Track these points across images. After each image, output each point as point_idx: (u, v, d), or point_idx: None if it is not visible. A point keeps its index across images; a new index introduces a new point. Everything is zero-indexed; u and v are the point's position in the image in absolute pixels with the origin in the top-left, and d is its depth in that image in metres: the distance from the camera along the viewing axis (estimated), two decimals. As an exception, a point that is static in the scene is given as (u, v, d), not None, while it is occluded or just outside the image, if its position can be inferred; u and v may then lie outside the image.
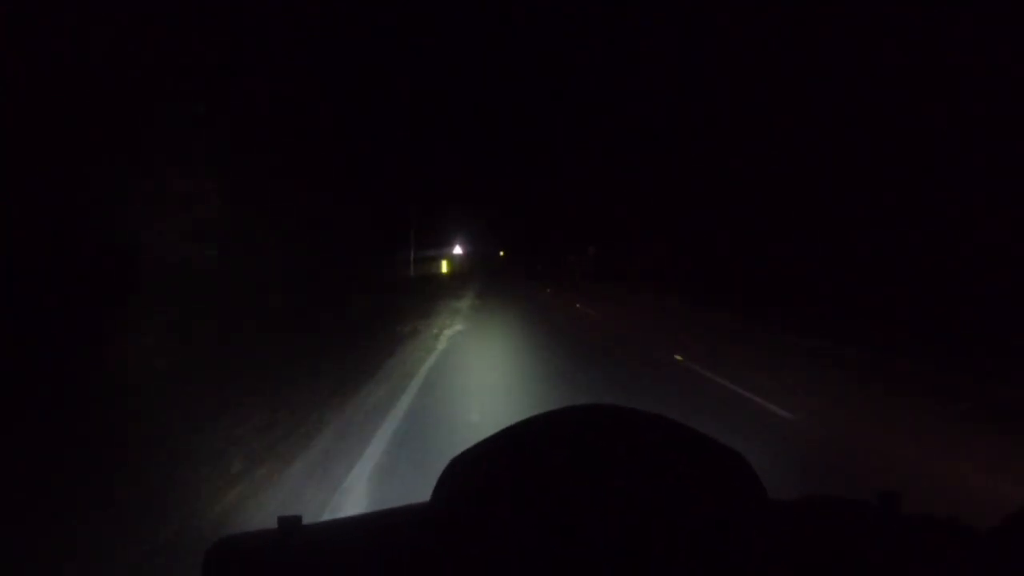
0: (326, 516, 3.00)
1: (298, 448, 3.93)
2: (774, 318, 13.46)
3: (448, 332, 10.95)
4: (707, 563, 0.72)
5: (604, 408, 0.84)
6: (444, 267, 39.37)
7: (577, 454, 0.78)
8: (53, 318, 5.48)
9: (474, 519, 0.75)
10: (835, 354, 9.54)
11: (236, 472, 3.39)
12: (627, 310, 18.00)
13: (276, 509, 2.95)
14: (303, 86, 13.84)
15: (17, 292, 5.36)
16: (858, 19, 12.47)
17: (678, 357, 8.35)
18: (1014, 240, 9.81)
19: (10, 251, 5.65)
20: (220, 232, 9.16)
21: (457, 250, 40.35)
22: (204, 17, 9.49)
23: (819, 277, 14.56)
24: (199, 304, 7.69)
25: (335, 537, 0.83)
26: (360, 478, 3.44)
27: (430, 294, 21.33)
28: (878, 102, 12.64)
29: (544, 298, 23.11)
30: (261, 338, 7.97)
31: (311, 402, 5.05)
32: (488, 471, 0.79)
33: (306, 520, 0.83)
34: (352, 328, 10.44)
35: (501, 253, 70.12)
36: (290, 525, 0.82)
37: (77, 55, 6.99)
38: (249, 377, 5.77)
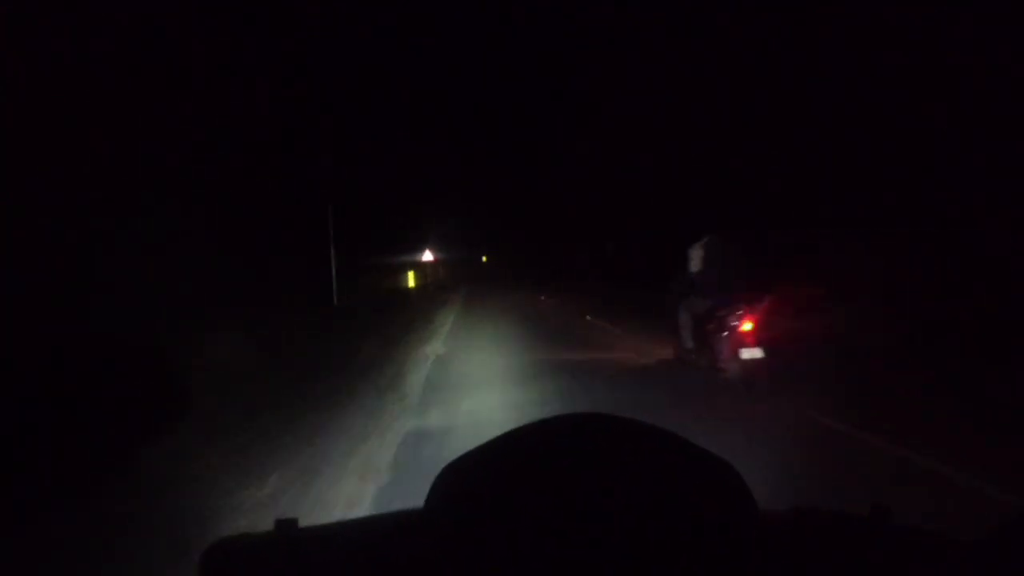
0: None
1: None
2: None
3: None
4: (703, 570, 0.73)
5: (598, 416, 0.85)
6: (411, 280, 29.93)
7: (574, 460, 0.79)
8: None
9: (472, 524, 0.75)
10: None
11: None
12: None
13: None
14: (288, 88, 13.69)
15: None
16: (857, 19, 12.47)
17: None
18: (1014, 240, 9.80)
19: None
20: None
21: (427, 256, 31.06)
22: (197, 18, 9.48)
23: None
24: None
25: (331, 540, 0.85)
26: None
27: (324, 384, 7.17)
28: (878, 102, 12.64)
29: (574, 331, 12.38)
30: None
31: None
32: (485, 476, 0.79)
33: (303, 524, 0.84)
34: None
35: (484, 258, 61.96)
36: (287, 528, 0.83)
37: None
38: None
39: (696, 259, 6.56)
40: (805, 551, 0.84)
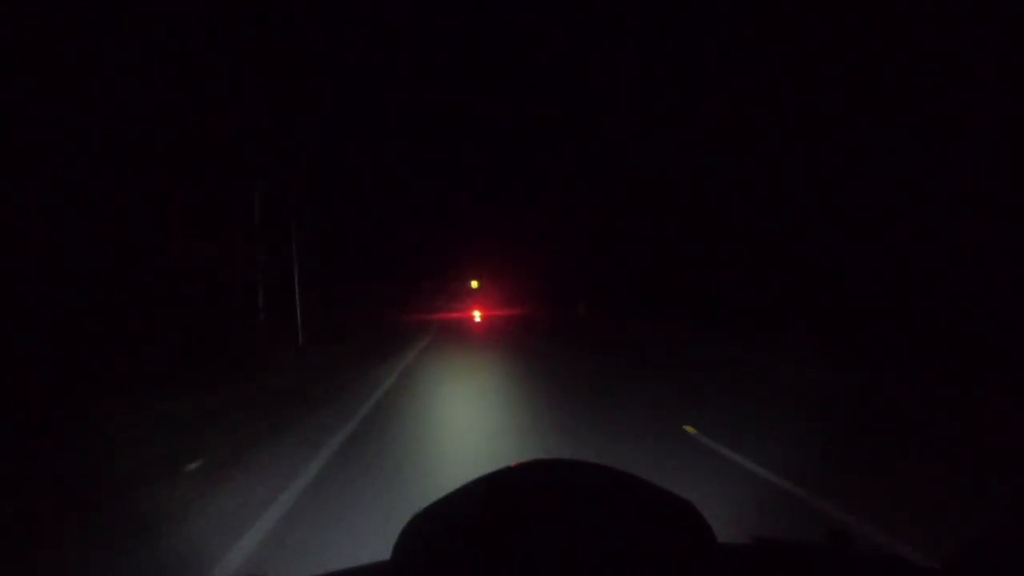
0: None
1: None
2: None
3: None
4: None
5: (561, 463, 0.88)
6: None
7: (537, 508, 0.81)
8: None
9: (439, 574, 0.75)
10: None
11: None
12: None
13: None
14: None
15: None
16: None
17: None
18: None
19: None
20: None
21: None
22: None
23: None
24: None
25: None
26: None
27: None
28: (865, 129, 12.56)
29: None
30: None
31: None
32: (451, 526, 0.80)
33: None
34: None
35: (474, 283, 43.99)
36: None
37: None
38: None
39: (468, 294, 48.16)
40: None
